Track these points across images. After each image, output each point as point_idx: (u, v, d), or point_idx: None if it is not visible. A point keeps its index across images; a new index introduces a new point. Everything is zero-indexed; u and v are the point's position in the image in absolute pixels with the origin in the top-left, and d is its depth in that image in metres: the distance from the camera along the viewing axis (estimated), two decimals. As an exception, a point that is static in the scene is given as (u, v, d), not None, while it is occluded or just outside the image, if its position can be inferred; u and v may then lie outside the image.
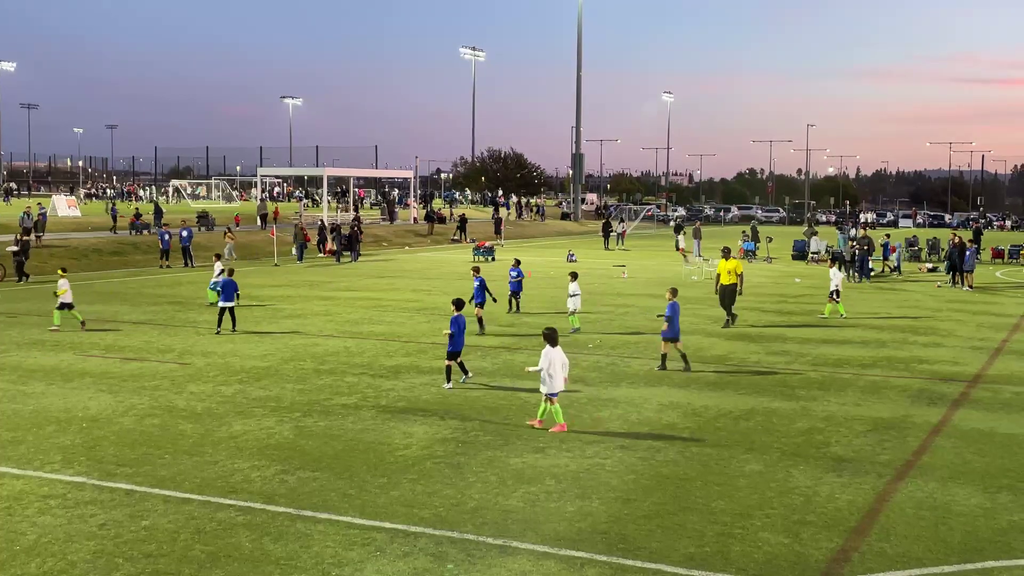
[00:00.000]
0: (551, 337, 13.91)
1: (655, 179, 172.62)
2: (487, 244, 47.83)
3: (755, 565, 9.00)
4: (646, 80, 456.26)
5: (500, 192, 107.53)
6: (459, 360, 16.65)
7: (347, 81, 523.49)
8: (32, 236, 40.60)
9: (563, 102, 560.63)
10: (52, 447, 12.63)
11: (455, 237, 60.47)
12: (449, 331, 16.42)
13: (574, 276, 23.62)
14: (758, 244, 50.06)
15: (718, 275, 24.58)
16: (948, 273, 36.15)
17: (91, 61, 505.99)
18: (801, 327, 24.32)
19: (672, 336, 18.06)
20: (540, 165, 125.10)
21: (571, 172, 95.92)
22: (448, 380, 16.49)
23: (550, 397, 13.69)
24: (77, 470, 11.65)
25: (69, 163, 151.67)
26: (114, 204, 59.66)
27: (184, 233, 40.77)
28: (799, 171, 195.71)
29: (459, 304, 16.96)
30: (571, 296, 23.14)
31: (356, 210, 64.34)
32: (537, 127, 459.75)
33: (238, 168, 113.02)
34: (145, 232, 48.81)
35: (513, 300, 26.20)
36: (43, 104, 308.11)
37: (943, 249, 45.73)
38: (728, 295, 24.15)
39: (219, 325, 22.21)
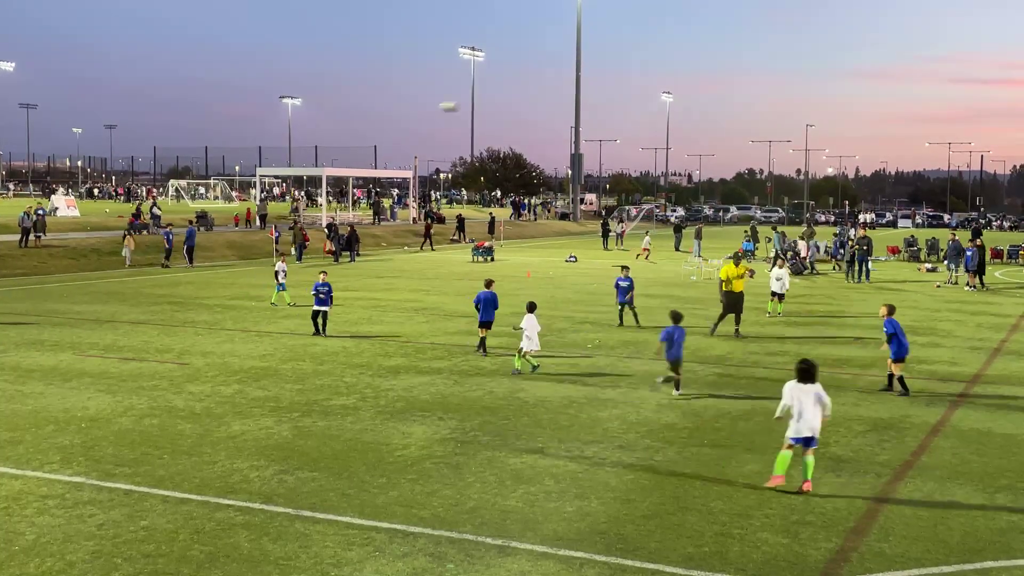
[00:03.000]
0: (806, 372, 11.21)
1: (654, 179, 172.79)
2: (486, 244, 47.83)
3: (754, 565, 9.00)
4: (646, 80, 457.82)
5: (498, 192, 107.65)
6: (676, 371, 16.07)
7: (347, 81, 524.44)
8: (32, 236, 40.68)
9: (562, 102, 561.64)
10: (51, 447, 12.62)
11: (454, 237, 60.45)
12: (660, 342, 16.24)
13: (531, 308, 18.25)
14: (757, 244, 50.12)
15: (723, 280, 22.94)
16: (973, 274, 35.68)
17: (90, 61, 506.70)
18: (800, 327, 24.31)
19: (900, 356, 16.40)
20: (539, 165, 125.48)
21: (570, 172, 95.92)
22: (676, 387, 16.09)
23: (798, 444, 11.08)
24: (76, 470, 11.64)
25: (68, 163, 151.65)
26: (139, 205, 59.47)
27: (187, 233, 40.90)
28: (798, 171, 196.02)
29: (676, 317, 16.47)
30: (526, 335, 17.89)
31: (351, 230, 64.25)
32: (536, 127, 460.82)
33: (237, 168, 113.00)
34: (144, 232, 48.79)
35: (627, 310, 24.15)
36: (42, 104, 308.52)
37: (942, 250, 45.81)
38: (740, 304, 22.79)
39: (319, 329, 21.91)
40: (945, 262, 39.15)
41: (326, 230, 46.96)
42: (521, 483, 11.29)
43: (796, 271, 39.49)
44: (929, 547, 9.50)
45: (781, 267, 26.77)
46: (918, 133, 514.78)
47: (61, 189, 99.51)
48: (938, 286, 35.36)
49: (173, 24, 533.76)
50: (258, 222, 56.67)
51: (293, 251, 43.48)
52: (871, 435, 13.72)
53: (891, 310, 16.82)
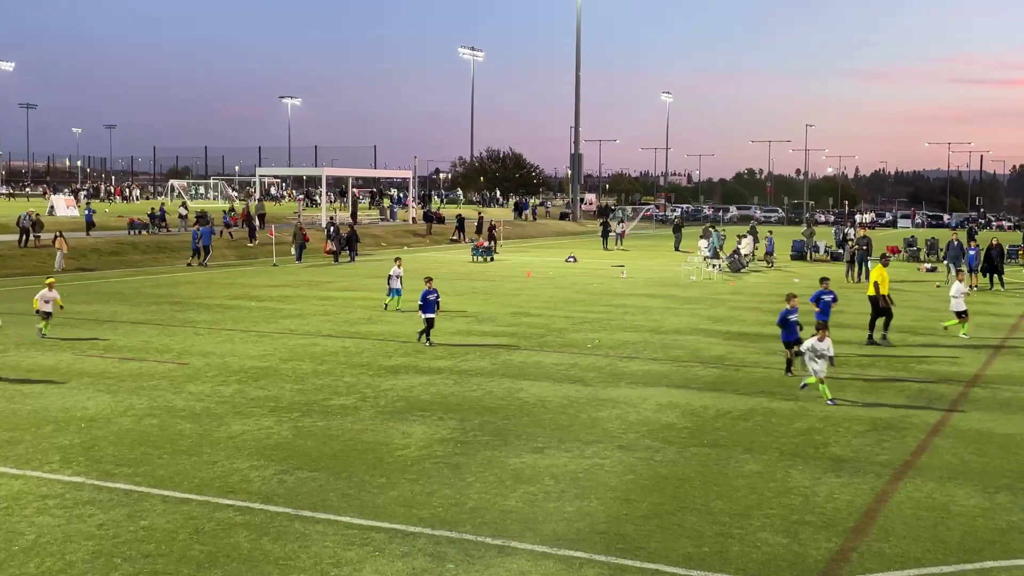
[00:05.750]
0: None
1: (654, 179, 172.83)
2: (485, 244, 47.83)
3: (754, 565, 9.00)
4: (645, 80, 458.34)
5: (498, 192, 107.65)
6: None
7: (346, 81, 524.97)
8: (31, 236, 40.68)
9: (562, 102, 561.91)
10: (50, 447, 12.62)
11: (454, 237, 60.48)
12: None
13: (822, 329, 15.95)
14: (757, 244, 50.08)
15: (878, 283, 21.45)
16: (985, 275, 35.55)
17: (90, 61, 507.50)
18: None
19: None
20: (539, 165, 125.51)
21: (570, 172, 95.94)
22: None
23: None
24: (75, 470, 11.64)
25: (68, 163, 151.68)
26: (163, 204, 59.86)
27: (202, 232, 41.23)
28: (798, 171, 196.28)
29: None
30: (817, 356, 15.61)
31: (354, 215, 63.95)
32: (536, 127, 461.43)
33: (237, 168, 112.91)
34: (144, 232, 48.88)
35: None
36: (42, 104, 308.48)
37: (942, 249, 45.83)
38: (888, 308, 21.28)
39: (427, 337, 20.80)
40: (945, 262, 39.18)
41: (327, 230, 46.86)
42: (521, 483, 11.29)
43: (735, 268, 40.34)
44: (929, 547, 9.50)
45: (962, 280, 23.62)
46: (918, 133, 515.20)
47: (80, 189, 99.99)
48: (938, 286, 35.35)
49: (173, 24, 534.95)
50: (257, 222, 56.70)
51: (293, 251, 43.53)
52: (871, 435, 13.72)
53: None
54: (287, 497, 10.69)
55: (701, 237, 49.82)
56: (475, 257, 45.58)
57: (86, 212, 50.44)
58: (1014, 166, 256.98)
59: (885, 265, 22.29)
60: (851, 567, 9.01)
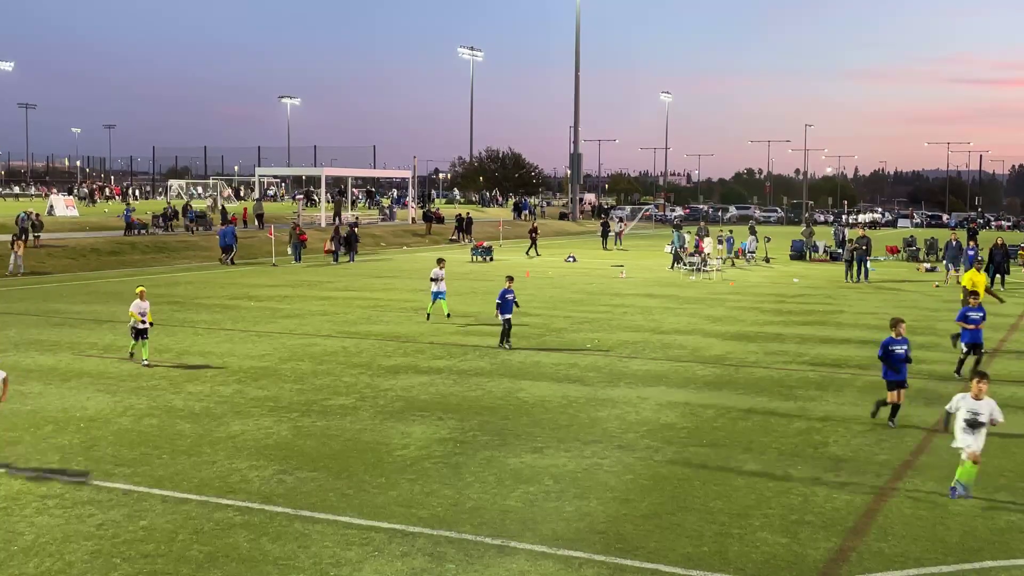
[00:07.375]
0: None
1: (653, 179, 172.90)
2: (485, 244, 47.83)
3: (753, 565, 9.00)
4: (645, 80, 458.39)
5: (497, 192, 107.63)
6: None
7: (345, 81, 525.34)
8: (30, 236, 40.66)
9: (561, 102, 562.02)
10: (50, 447, 12.62)
11: (453, 237, 60.48)
12: None
13: (980, 380, 11.23)
14: (756, 243, 50.10)
15: (970, 290, 20.15)
16: (991, 275, 35.48)
17: (89, 61, 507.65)
18: (799, 327, 24.31)
19: None
20: (538, 165, 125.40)
21: (569, 172, 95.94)
22: None
23: None
24: (75, 470, 11.63)
25: (67, 163, 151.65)
26: (172, 205, 60.12)
27: (227, 231, 41.70)
28: (797, 171, 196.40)
29: None
30: (971, 424, 11.03)
31: (338, 215, 63.81)
32: (535, 127, 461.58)
33: (236, 168, 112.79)
34: (143, 232, 48.88)
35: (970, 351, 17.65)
36: (41, 104, 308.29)
37: (941, 249, 45.87)
38: None
39: (507, 340, 20.37)
40: (944, 262, 39.22)
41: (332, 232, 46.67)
42: (520, 483, 11.29)
43: (698, 268, 40.52)
44: (928, 547, 9.50)
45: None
46: (917, 133, 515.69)
47: (130, 186, 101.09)
48: (936, 286, 35.37)
49: (173, 24, 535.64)
50: (256, 222, 56.79)
51: (290, 251, 43.52)
52: (870, 435, 13.72)
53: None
54: (286, 497, 10.69)
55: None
56: (475, 257, 45.59)
57: (125, 211, 50.89)
58: (1013, 166, 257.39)
59: (980, 270, 22.44)
60: (850, 567, 9.01)
